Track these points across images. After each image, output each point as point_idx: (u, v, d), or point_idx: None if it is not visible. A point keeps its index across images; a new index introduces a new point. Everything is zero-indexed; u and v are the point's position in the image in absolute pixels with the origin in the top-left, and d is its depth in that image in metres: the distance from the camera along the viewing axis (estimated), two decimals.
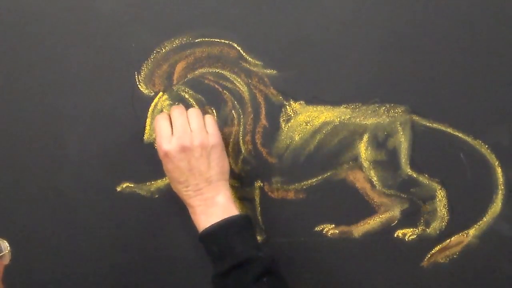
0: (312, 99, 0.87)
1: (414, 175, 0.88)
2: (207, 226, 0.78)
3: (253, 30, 0.85)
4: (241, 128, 0.87)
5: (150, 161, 0.85)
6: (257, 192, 0.88)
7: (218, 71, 0.86)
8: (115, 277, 0.89)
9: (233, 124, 0.87)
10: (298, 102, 0.87)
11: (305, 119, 0.87)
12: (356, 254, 0.89)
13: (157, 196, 0.88)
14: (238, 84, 0.87)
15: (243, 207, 0.88)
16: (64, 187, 0.87)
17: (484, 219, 0.88)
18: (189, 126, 0.80)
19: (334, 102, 0.87)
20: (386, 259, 0.89)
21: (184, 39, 0.86)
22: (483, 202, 0.88)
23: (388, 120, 0.87)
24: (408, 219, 0.88)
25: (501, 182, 0.87)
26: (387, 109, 0.87)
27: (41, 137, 0.87)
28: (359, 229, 0.89)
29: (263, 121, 0.87)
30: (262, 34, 0.85)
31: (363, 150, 0.87)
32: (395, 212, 0.88)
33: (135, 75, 0.86)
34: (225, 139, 0.87)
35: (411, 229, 0.88)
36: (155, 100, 0.87)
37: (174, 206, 0.86)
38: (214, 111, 0.87)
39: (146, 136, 0.87)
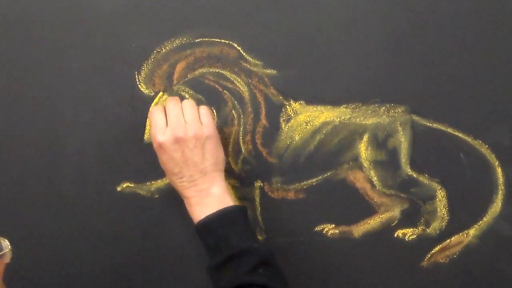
0: (312, 99, 0.87)
1: (414, 175, 0.88)
2: (202, 218, 0.78)
3: (253, 30, 0.85)
4: (241, 128, 0.87)
5: (150, 161, 0.85)
6: (257, 192, 0.88)
7: (218, 71, 0.87)
8: (115, 277, 0.89)
9: (233, 124, 0.87)
10: (298, 102, 0.87)
11: (305, 119, 0.87)
12: (356, 254, 0.89)
13: (157, 196, 0.88)
14: (238, 84, 0.87)
15: (240, 203, 0.88)
16: (64, 187, 0.88)
17: (484, 219, 0.88)
18: (183, 117, 0.80)
19: (334, 102, 0.87)
20: (386, 259, 0.89)
21: (184, 39, 0.86)
22: (483, 202, 0.88)
23: (388, 120, 0.87)
24: (408, 219, 0.88)
25: (501, 182, 0.87)
26: (387, 109, 0.87)
27: (41, 137, 0.87)
28: (359, 229, 0.89)
29: (263, 121, 0.87)
30: (262, 34, 0.85)
31: (363, 150, 0.87)
32: (395, 212, 0.88)
33: (135, 75, 0.86)
34: (225, 139, 0.87)
35: (411, 229, 0.88)
36: (155, 100, 0.87)
37: (174, 206, 0.86)
38: (214, 111, 0.87)
39: (146, 136, 0.87)
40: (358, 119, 0.87)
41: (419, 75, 0.86)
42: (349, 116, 0.87)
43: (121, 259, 0.89)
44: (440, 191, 0.88)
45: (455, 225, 0.88)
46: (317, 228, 0.89)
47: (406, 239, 0.88)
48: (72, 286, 0.89)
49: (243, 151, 0.88)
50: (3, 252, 0.65)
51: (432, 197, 0.88)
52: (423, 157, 0.87)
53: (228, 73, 0.86)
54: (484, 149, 0.87)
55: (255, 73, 0.86)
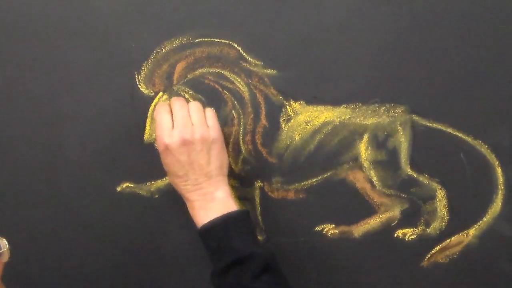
0: (312, 99, 0.87)
1: (414, 175, 0.88)
2: (206, 222, 0.77)
3: (253, 30, 0.85)
4: (241, 128, 0.87)
5: (150, 161, 0.85)
6: (257, 192, 0.88)
7: (218, 71, 0.86)
8: (115, 277, 0.89)
9: (233, 124, 0.87)
10: (298, 102, 0.87)
11: (305, 119, 0.87)
12: (356, 254, 0.89)
13: (157, 196, 0.88)
14: (238, 84, 0.87)
15: (243, 207, 0.88)
16: (64, 187, 0.87)
17: (484, 219, 0.88)
18: (190, 119, 0.79)
19: (334, 102, 0.87)
20: (386, 259, 0.89)
21: (184, 39, 0.86)
22: (483, 202, 0.88)
23: (388, 120, 0.87)
24: (408, 219, 0.88)
25: (501, 182, 0.87)
26: (387, 109, 0.87)
27: (41, 137, 0.87)
28: (359, 229, 0.89)
29: (263, 121, 0.87)
30: (262, 34, 0.85)
31: (363, 150, 0.87)
32: (395, 212, 0.88)
33: (135, 75, 0.86)
34: (225, 139, 0.87)
35: (411, 229, 0.88)
36: (155, 100, 0.87)
37: (174, 206, 0.86)
38: (214, 111, 0.87)
39: (146, 136, 0.87)
40: (358, 119, 0.87)
41: (419, 75, 0.86)
42: (349, 116, 0.87)
43: (121, 259, 0.89)
44: (440, 191, 0.88)
45: (455, 225, 0.88)
46: (317, 228, 0.89)
47: (406, 239, 0.88)
48: (71, 286, 0.89)
49: (243, 151, 0.88)
50: (1, 251, 0.64)
51: (432, 197, 0.88)
52: (423, 157, 0.87)
53: (228, 73, 0.86)
54: (484, 149, 0.87)
55: (255, 73, 0.86)
